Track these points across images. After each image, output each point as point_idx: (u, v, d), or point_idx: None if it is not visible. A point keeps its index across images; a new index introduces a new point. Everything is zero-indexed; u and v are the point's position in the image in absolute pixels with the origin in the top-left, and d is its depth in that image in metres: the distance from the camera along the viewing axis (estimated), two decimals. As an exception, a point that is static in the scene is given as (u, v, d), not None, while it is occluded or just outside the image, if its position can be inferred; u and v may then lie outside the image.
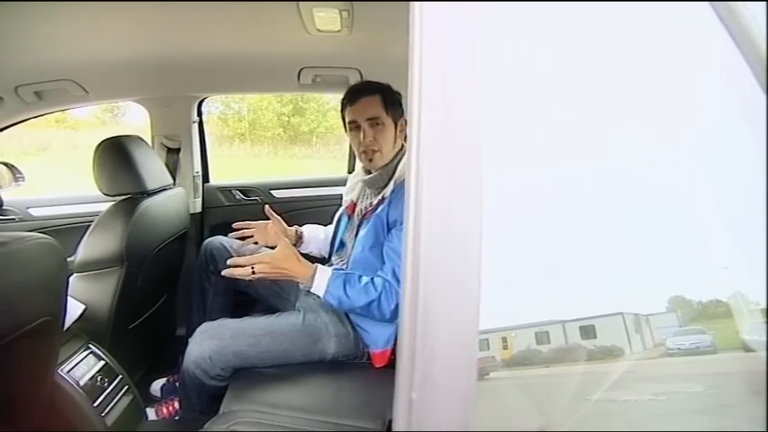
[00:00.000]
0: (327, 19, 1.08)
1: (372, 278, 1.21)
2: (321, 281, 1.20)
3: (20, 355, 0.86)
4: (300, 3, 1.02)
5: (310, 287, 1.21)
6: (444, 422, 0.29)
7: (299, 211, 1.85)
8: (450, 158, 0.29)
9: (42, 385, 1.01)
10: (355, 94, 1.32)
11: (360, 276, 1.21)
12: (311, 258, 1.56)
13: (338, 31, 1.17)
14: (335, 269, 1.24)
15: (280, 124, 7.57)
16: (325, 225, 1.65)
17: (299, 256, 1.24)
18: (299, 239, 1.58)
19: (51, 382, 1.06)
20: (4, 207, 1.73)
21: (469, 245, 0.28)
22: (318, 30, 1.17)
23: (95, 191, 2.02)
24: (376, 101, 1.29)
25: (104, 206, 1.83)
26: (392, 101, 1.32)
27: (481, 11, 0.31)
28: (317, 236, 1.61)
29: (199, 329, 1.25)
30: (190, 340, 1.23)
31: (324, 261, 1.61)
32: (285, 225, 1.54)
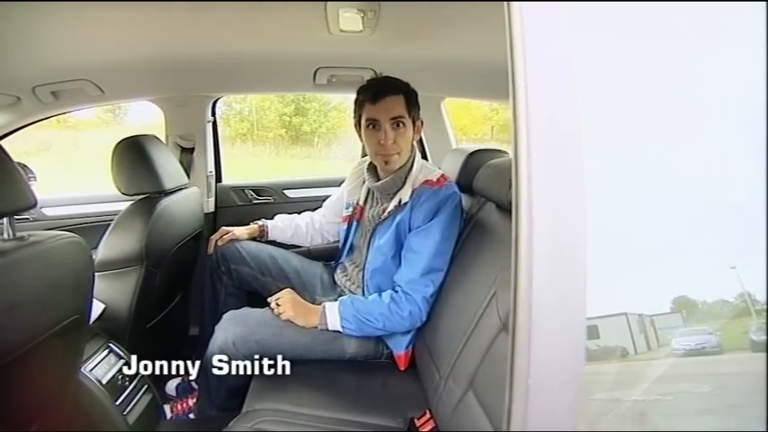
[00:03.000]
0: (352, 19, 1.08)
1: (379, 294, 1.26)
2: (332, 312, 1.24)
3: (50, 353, 0.87)
4: (328, 3, 1.03)
5: (325, 325, 1.23)
6: (558, 406, 0.30)
7: (311, 211, 1.86)
8: (558, 162, 0.30)
9: (68, 384, 1.02)
10: (379, 91, 1.26)
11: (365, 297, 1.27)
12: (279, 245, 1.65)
13: (360, 31, 1.17)
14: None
15: (281, 124, 7.57)
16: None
17: (303, 301, 1.30)
18: (262, 233, 1.62)
19: (76, 380, 1.06)
20: None
21: (576, 241, 0.29)
22: (341, 30, 1.17)
23: (101, 190, 2.05)
24: (400, 100, 1.26)
25: (116, 205, 1.85)
26: (413, 101, 1.29)
27: (584, 11, 0.32)
28: (281, 229, 1.64)
29: (225, 316, 1.26)
30: (216, 327, 1.24)
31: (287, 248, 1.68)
32: (241, 233, 1.59)
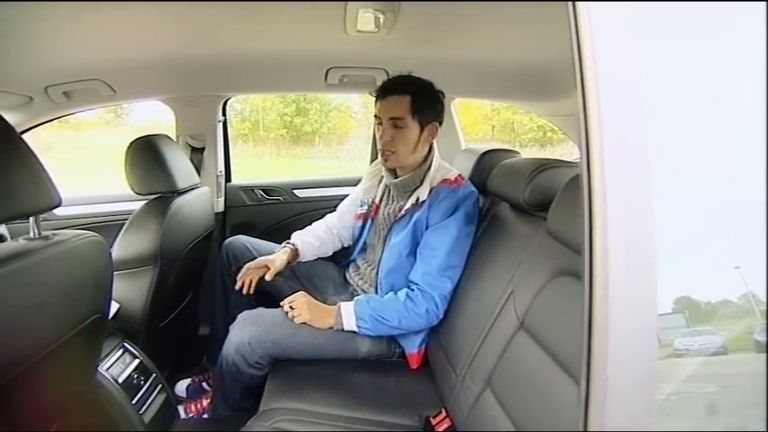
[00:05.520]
0: (371, 19, 1.08)
1: (394, 293, 1.26)
2: (348, 312, 1.23)
3: (72, 352, 0.87)
4: (349, 3, 1.03)
5: (341, 325, 1.23)
6: (634, 396, 0.31)
7: (321, 210, 1.85)
8: (630, 166, 0.31)
9: (88, 383, 1.02)
10: (386, 89, 1.28)
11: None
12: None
13: (377, 31, 1.17)
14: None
15: (283, 125, 7.59)
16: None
17: (317, 302, 1.29)
18: (295, 256, 1.48)
19: (94, 379, 1.07)
20: None
21: (647, 241, 0.30)
22: (358, 30, 1.17)
23: (105, 190, 2.04)
24: (404, 101, 1.25)
25: (122, 205, 1.85)
26: (424, 103, 1.27)
27: (651, 10, 0.32)
28: (311, 243, 1.52)
29: (240, 316, 1.26)
30: (231, 327, 1.24)
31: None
32: (278, 264, 1.42)
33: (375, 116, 1.32)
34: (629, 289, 0.31)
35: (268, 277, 1.38)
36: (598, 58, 0.31)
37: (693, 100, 0.37)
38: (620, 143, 0.32)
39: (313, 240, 1.53)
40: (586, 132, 0.31)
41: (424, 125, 1.29)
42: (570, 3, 0.33)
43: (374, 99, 1.33)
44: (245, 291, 1.39)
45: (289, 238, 1.62)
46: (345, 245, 1.62)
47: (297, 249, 1.49)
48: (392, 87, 1.28)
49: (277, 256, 1.44)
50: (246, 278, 1.39)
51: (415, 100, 1.26)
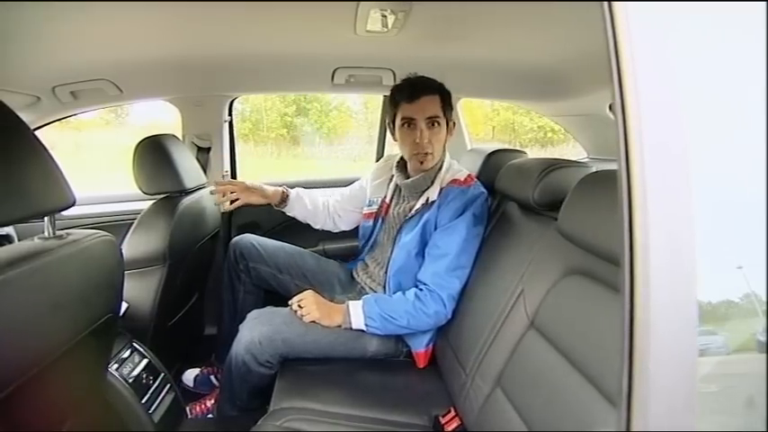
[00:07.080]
0: (382, 20, 1.08)
1: (403, 292, 1.26)
2: (356, 311, 1.24)
3: (85, 351, 0.87)
4: (361, 3, 1.03)
5: (349, 323, 1.24)
6: (677, 393, 0.31)
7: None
8: (670, 168, 0.31)
9: (99, 382, 1.02)
10: (415, 90, 1.26)
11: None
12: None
13: (387, 31, 1.18)
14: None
15: (283, 125, 7.57)
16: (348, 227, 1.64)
17: (326, 300, 1.30)
18: (283, 201, 1.51)
19: (105, 379, 1.07)
20: None
21: (686, 239, 0.30)
22: (367, 30, 1.17)
23: (109, 190, 2.04)
24: (436, 100, 1.26)
25: (130, 205, 1.85)
26: (447, 101, 1.29)
27: (690, 13, 0.33)
28: (303, 202, 1.53)
29: (250, 315, 1.26)
30: (241, 326, 1.25)
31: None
32: (265, 186, 1.49)
33: (405, 119, 1.28)
34: (670, 287, 0.31)
35: (240, 201, 1.43)
36: (637, 58, 0.32)
37: (732, 99, 0.37)
38: (661, 145, 0.32)
39: (308, 202, 1.54)
40: (625, 135, 0.32)
41: (449, 123, 1.32)
42: (606, 3, 0.34)
43: (393, 103, 1.31)
44: (223, 207, 1.45)
45: (294, 238, 1.62)
46: (339, 227, 1.62)
47: (287, 196, 1.51)
48: (422, 88, 1.27)
49: (268, 188, 1.48)
50: (228, 192, 1.43)
51: (442, 98, 1.29)
